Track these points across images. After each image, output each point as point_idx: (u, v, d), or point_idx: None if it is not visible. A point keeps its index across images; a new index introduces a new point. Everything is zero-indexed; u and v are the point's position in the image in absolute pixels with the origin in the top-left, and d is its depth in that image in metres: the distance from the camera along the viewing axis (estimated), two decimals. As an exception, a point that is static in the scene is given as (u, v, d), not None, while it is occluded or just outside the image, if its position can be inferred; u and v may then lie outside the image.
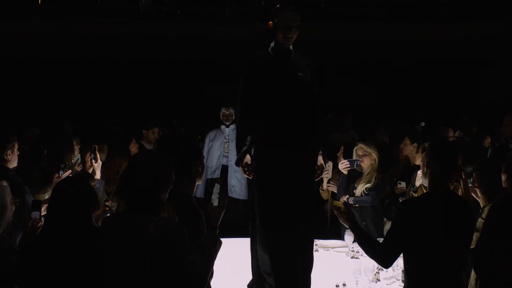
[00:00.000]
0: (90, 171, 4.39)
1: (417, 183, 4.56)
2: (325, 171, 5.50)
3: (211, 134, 6.71)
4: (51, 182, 4.07)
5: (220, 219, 2.80)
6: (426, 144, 4.31)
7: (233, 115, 6.50)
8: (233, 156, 6.08)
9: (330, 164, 5.46)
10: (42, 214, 3.42)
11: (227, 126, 6.71)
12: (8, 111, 9.88)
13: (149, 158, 2.65)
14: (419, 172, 4.35)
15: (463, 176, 3.66)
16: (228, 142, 6.56)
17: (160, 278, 2.44)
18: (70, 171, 4.18)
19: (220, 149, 6.57)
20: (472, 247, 3.29)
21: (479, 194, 3.57)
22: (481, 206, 3.54)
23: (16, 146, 4.00)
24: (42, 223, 3.15)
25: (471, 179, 3.65)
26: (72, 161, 4.64)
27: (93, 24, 10.92)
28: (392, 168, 5.82)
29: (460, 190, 3.68)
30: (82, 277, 2.56)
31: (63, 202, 2.69)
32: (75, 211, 2.66)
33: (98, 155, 4.44)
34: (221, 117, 6.70)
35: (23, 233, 3.36)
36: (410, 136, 5.59)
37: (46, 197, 3.96)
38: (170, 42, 11.22)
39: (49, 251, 2.61)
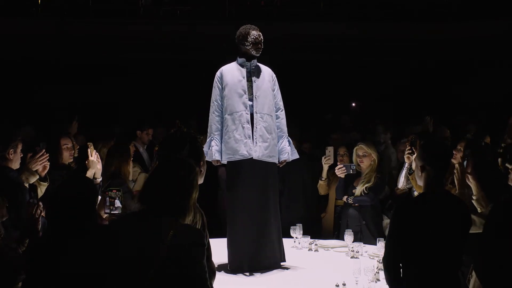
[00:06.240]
0: (93, 168, 4.41)
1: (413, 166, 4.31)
2: (326, 157, 5.51)
3: (225, 71, 4.59)
4: (25, 165, 4.06)
5: None
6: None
7: (262, 42, 4.53)
8: (260, 107, 4.47)
9: (331, 150, 5.47)
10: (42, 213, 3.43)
11: (249, 59, 4.54)
12: (8, 111, 9.87)
13: (178, 166, 2.65)
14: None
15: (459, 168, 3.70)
16: (251, 82, 4.50)
17: (170, 283, 2.43)
18: (44, 150, 4.13)
19: (242, 88, 4.48)
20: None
21: (471, 180, 3.63)
22: (474, 192, 3.62)
23: (20, 147, 3.99)
24: (42, 207, 3.23)
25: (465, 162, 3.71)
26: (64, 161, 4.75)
27: (93, 24, 10.92)
28: (392, 167, 5.84)
29: (455, 176, 3.73)
30: (90, 276, 2.56)
31: (68, 200, 2.68)
32: (80, 209, 2.66)
33: (90, 152, 4.43)
34: (250, 44, 4.48)
35: (26, 222, 3.37)
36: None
37: (24, 178, 3.96)
38: (169, 42, 11.22)
39: (55, 251, 2.60)
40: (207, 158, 4.43)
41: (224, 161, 4.56)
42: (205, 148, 4.47)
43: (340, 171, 5.27)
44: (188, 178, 2.59)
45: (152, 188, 2.58)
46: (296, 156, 4.70)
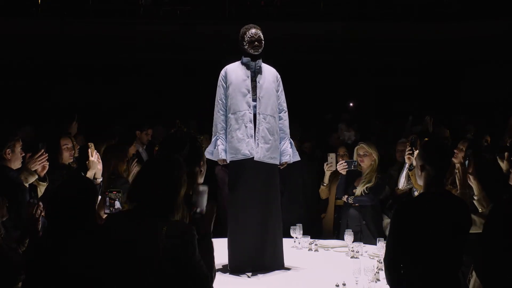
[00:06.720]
0: (93, 169, 4.39)
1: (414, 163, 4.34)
2: (328, 164, 5.52)
3: (229, 70, 4.52)
4: (24, 165, 4.03)
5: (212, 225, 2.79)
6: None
7: (263, 41, 4.48)
8: (263, 108, 4.43)
9: (333, 156, 5.48)
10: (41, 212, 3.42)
11: (254, 59, 4.49)
12: (8, 111, 9.88)
13: (164, 163, 2.66)
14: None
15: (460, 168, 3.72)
16: (256, 82, 4.47)
17: (169, 279, 2.45)
18: (43, 150, 4.11)
19: (246, 88, 4.44)
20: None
21: (472, 180, 3.66)
22: (475, 193, 3.65)
23: (18, 146, 3.97)
24: (42, 207, 3.23)
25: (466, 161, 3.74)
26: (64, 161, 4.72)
27: (93, 24, 10.92)
28: (392, 168, 5.83)
29: (457, 176, 3.74)
30: (90, 276, 2.56)
31: (68, 200, 2.68)
32: (80, 209, 2.66)
33: (91, 153, 4.41)
34: (247, 43, 4.46)
35: (26, 222, 3.36)
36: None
37: (23, 178, 3.95)
38: (169, 42, 11.22)
39: (55, 251, 2.60)
40: (213, 158, 4.42)
41: (228, 161, 4.52)
42: (211, 147, 4.45)
43: (341, 167, 5.28)
44: (176, 175, 2.60)
45: (140, 186, 2.59)
46: (297, 158, 4.69)
